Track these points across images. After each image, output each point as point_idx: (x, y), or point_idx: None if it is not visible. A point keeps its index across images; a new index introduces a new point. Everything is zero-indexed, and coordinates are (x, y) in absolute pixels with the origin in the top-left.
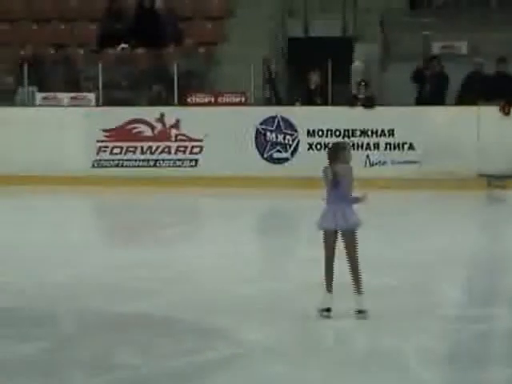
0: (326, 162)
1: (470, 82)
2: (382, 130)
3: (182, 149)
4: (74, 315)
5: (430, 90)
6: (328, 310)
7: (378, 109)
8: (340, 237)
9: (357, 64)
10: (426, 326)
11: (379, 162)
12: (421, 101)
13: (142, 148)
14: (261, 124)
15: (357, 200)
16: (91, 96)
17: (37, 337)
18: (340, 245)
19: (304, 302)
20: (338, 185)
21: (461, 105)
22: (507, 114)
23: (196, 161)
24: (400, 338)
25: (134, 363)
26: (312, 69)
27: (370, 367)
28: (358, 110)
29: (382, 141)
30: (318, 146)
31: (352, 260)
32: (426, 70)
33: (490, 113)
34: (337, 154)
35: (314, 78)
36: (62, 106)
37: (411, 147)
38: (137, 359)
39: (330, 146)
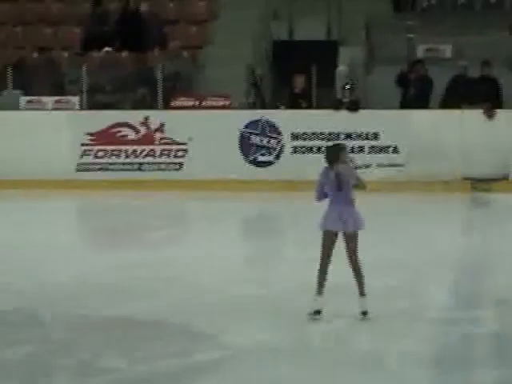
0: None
1: (454, 85)
2: (367, 134)
3: (166, 152)
4: (61, 318)
5: (415, 93)
6: (318, 312)
7: (363, 112)
8: (342, 238)
9: (341, 67)
10: (412, 329)
11: (364, 165)
12: (405, 104)
13: (126, 151)
14: (245, 127)
15: (363, 186)
16: (75, 99)
17: (24, 340)
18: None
19: (294, 304)
20: (341, 186)
21: (445, 108)
22: (491, 117)
23: (180, 164)
24: (387, 340)
25: (122, 366)
26: (297, 72)
27: (357, 369)
28: (343, 114)
29: (367, 144)
30: (303, 150)
31: (354, 262)
32: (410, 74)
33: (474, 116)
34: (337, 154)
35: (299, 82)
36: (47, 109)
37: (395, 150)
38: (125, 362)
39: (329, 147)
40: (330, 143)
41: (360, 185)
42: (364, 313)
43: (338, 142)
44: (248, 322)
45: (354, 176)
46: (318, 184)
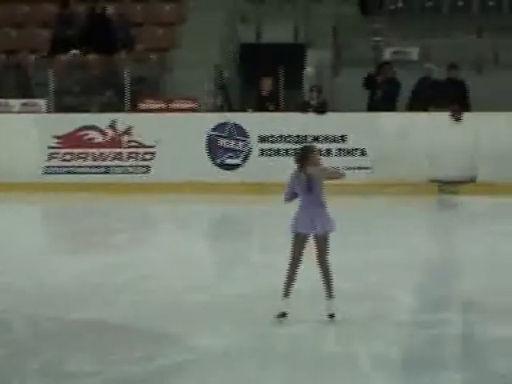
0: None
1: (420, 87)
2: (334, 136)
3: (133, 155)
4: (27, 322)
5: (382, 95)
6: (284, 314)
7: (330, 115)
8: (312, 241)
9: (309, 70)
10: (378, 331)
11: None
12: (372, 107)
13: (93, 154)
14: (213, 130)
15: (339, 175)
16: (42, 102)
17: None
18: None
19: (257, 307)
20: (311, 188)
21: (412, 111)
22: (458, 119)
23: (148, 167)
24: (354, 343)
25: (86, 370)
26: (264, 75)
27: (323, 373)
28: (310, 116)
29: (334, 147)
30: (270, 152)
31: (324, 265)
32: (377, 76)
33: (441, 119)
34: (307, 157)
35: (266, 84)
36: (13, 112)
37: (363, 153)
38: (90, 366)
39: (299, 149)
40: (298, 146)
41: (335, 176)
42: (331, 315)
43: (309, 144)
44: (212, 325)
45: (325, 175)
46: (288, 185)
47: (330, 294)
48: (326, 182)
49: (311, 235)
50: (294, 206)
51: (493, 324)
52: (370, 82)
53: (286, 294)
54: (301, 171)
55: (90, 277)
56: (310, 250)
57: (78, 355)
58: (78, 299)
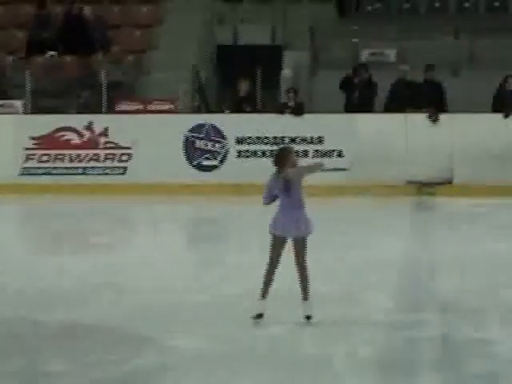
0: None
1: (396, 89)
2: (311, 138)
3: (110, 156)
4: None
5: (359, 97)
6: (261, 315)
7: (307, 116)
8: (291, 242)
9: (286, 71)
10: (355, 333)
11: None
12: (349, 108)
13: (70, 156)
14: (190, 131)
15: (318, 167)
16: (19, 103)
17: None
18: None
19: (235, 308)
20: (289, 190)
21: (388, 112)
22: (435, 121)
23: (125, 168)
24: (331, 344)
25: (60, 372)
26: (241, 76)
27: (300, 373)
28: (287, 118)
29: (311, 148)
30: (247, 154)
31: (301, 267)
32: (354, 78)
33: (418, 120)
34: (285, 158)
35: (244, 86)
36: None
37: (340, 154)
38: (64, 368)
39: (277, 151)
40: (275, 147)
41: (315, 169)
42: (308, 317)
43: (286, 145)
44: (188, 326)
45: (305, 173)
46: (266, 187)
47: (306, 296)
48: (305, 182)
49: (290, 237)
50: (272, 207)
51: (468, 325)
52: (346, 84)
53: (264, 295)
54: (279, 173)
55: (67, 277)
56: (289, 250)
57: (54, 357)
58: (53, 300)
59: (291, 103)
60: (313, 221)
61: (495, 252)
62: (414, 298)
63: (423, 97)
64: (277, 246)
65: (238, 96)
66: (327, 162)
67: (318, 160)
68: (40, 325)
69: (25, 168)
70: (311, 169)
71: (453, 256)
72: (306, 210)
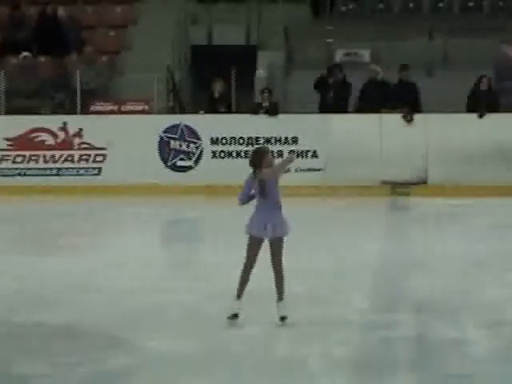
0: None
1: (366, 89)
2: (286, 138)
3: (85, 157)
4: None
5: (333, 97)
6: (236, 316)
7: (282, 116)
8: (268, 243)
9: (260, 72)
10: (330, 333)
11: None
12: (324, 108)
13: (44, 157)
14: (164, 132)
15: (288, 161)
16: None
17: None
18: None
19: (210, 309)
20: (265, 191)
21: (360, 112)
22: (410, 121)
23: (99, 169)
24: (306, 344)
25: (35, 373)
26: (215, 76)
27: (275, 374)
28: (262, 118)
29: (286, 148)
30: (222, 154)
31: (277, 267)
32: (328, 78)
33: (393, 120)
34: (261, 158)
35: (218, 86)
36: None
37: (315, 155)
38: (38, 369)
39: (253, 151)
40: (250, 148)
41: (287, 164)
42: (283, 318)
43: (261, 145)
44: (163, 327)
45: (279, 171)
46: (243, 188)
47: (281, 296)
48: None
49: (266, 238)
50: (248, 207)
51: (443, 325)
52: (321, 84)
53: (239, 295)
54: (256, 173)
55: (41, 278)
56: (265, 250)
57: (26, 357)
58: (26, 301)
59: (266, 103)
60: (289, 222)
61: (470, 252)
62: (389, 297)
63: (397, 97)
64: (253, 246)
65: (212, 96)
66: (302, 162)
67: (287, 155)
68: (11, 325)
69: None
70: (283, 165)
71: (427, 256)
72: (283, 211)
